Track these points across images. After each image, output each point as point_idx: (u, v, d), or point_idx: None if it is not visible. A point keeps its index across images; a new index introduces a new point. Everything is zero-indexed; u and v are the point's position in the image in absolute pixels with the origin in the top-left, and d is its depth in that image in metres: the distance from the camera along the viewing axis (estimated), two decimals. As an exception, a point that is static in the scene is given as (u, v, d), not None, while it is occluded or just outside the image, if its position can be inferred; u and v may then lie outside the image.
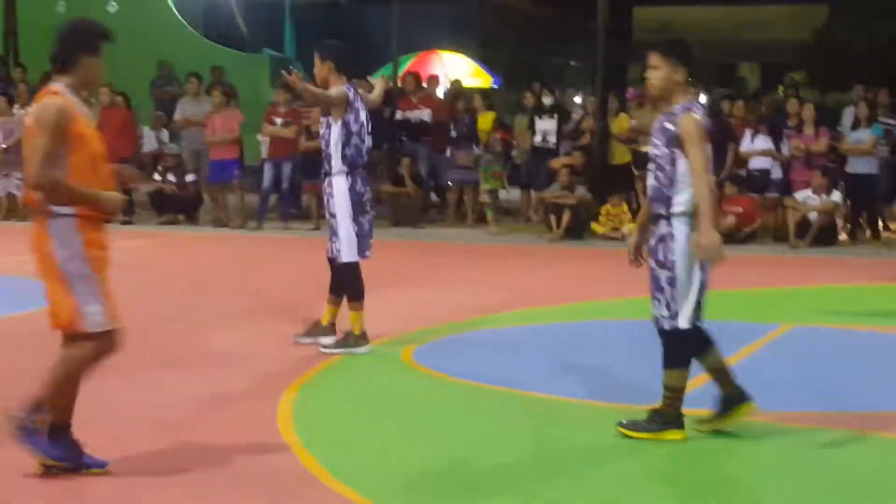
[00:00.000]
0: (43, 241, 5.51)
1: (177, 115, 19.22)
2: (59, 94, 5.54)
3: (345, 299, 8.80)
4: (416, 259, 14.73)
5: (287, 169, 17.41)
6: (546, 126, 17.99)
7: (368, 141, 8.79)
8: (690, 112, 6.12)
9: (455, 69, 27.10)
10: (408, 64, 27.07)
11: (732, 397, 6.43)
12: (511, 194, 18.98)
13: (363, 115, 8.72)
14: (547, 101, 18.32)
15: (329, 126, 8.65)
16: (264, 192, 17.90)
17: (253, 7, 25.19)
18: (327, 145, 8.65)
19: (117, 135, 17.12)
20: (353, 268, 8.70)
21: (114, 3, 23.92)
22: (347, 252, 8.66)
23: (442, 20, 31.05)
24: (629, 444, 6.25)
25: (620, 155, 17.42)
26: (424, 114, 18.69)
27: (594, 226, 16.48)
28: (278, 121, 17.44)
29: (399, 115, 18.95)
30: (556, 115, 18.13)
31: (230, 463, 5.97)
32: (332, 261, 8.81)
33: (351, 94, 8.60)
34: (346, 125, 8.59)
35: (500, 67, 30.40)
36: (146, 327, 9.30)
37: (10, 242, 13.50)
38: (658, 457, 6.13)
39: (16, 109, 18.08)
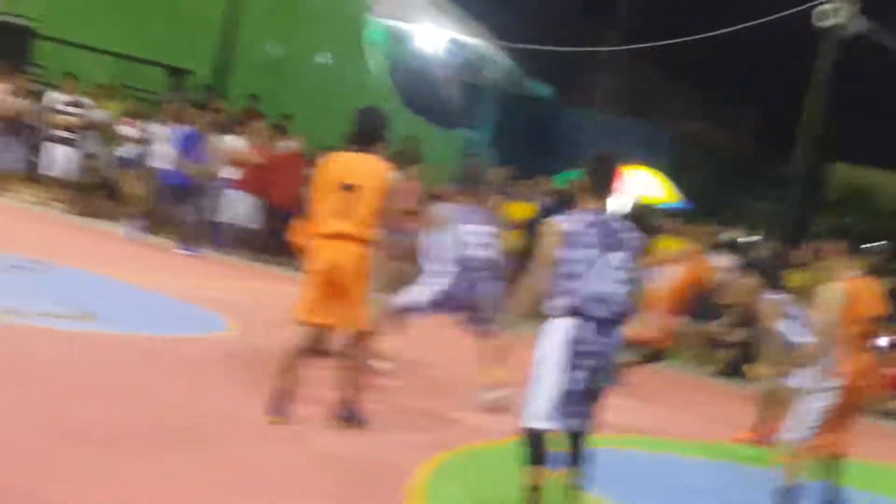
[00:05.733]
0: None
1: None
2: None
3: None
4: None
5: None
6: (720, 262, 17.70)
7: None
8: None
9: (640, 185, 26.85)
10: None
11: None
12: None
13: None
14: (724, 237, 18.03)
15: None
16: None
17: (457, 88, 25.55)
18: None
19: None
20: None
21: (329, 55, 24.44)
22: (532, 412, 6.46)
23: (635, 136, 30.96)
24: None
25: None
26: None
27: (748, 367, 16.03)
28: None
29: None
30: (731, 253, 17.81)
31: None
32: None
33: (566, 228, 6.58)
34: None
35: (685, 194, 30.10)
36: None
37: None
38: None
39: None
